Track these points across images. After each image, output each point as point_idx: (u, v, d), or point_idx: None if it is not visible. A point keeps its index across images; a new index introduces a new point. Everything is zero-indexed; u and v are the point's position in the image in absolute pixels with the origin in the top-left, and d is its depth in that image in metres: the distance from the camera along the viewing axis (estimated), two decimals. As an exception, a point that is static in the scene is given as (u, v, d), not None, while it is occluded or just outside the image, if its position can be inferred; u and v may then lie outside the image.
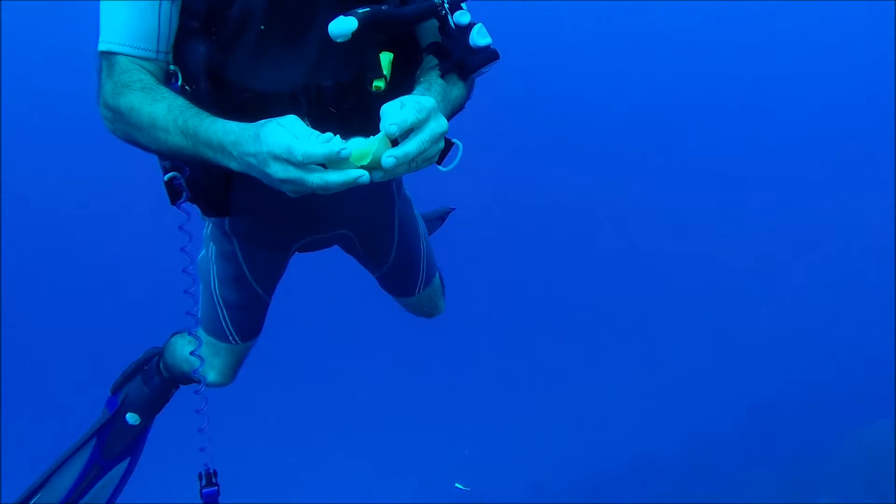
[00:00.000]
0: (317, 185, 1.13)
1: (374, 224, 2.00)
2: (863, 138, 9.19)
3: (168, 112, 1.27)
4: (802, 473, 4.80)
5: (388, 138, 1.16)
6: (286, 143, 1.11)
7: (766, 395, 5.74)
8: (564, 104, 9.19)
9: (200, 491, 1.95)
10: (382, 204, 1.98)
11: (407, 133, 1.17)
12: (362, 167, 1.15)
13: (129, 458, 2.26)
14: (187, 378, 2.23)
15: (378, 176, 1.16)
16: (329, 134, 1.14)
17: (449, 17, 1.39)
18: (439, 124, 1.20)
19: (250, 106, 1.41)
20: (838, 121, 9.47)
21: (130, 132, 1.33)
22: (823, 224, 8.24)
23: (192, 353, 1.98)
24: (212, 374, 2.10)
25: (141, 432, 2.27)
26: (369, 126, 1.39)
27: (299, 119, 1.16)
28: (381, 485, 5.59)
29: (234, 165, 1.22)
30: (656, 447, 5.53)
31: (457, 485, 4.95)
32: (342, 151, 1.10)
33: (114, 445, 2.21)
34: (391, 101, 1.21)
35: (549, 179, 8.78)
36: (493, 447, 5.87)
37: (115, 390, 2.27)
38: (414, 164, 1.18)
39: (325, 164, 1.13)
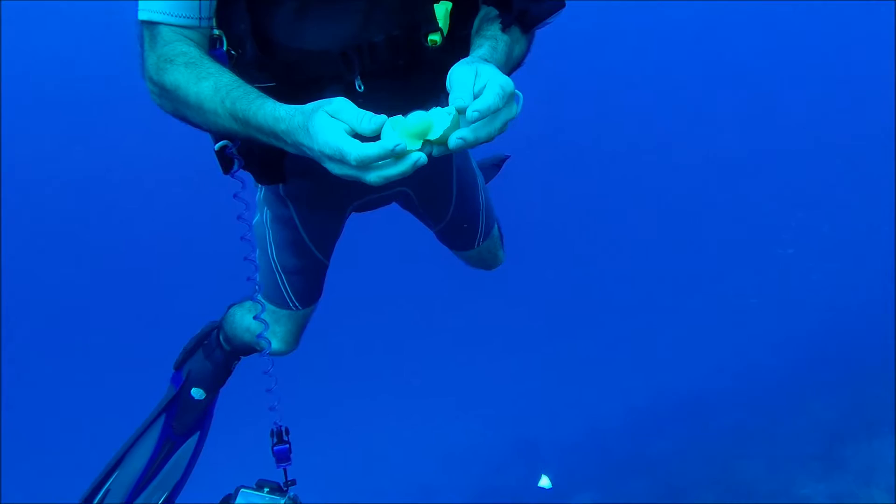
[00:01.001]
0: (375, 181, 1.04)
1: (432, 179, 1.94)
2: (862, 137, 8.91)
3: (215, 93, 1.21)
4: (864, 405, 4.74)
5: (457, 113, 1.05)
6: (337, 145, 1.03)
7: (821, 328, 5.67)
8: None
9: (272, 448, 1.94)
10: (441, 157, 1.94)
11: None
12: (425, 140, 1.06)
13: (198, 432, 2.30)
14: (249, 348, 2.25)
15: (439, 151, 1.09)
16: (383, 116, 1.04)
17: None
18: (511, 111, 1.09)
19: (299, 67, 1.37)
20: (839, 119, 9.21)
21: (179, 109, 1.28)
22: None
23: (255, 316, 1.95)
24: (274, 342, 2.08)
25: (207, 406, 2.29)
26: (428, 84, 1.31)
27: (349, 102, 1.06)
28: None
29: (290, 150, 1.16)
30: (710, 383, 5.54)
31: (541, 483, 5.00)
32: (397, 147, 1.00)
33: (183, 420, 2.24)
34: (462, 67, 1.12)
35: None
36: (545, 389, 5.95)
37: (178, 367, 2.29)
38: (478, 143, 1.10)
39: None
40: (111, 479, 2.13)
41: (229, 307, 2.32)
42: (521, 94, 1.23)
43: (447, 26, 1.33)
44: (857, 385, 4.99)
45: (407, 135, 1.04)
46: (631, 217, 8.20)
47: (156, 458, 2.20)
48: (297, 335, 2.15)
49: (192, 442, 2.29)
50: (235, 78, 1.23)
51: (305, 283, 2.04)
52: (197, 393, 2.24)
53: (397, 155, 1.01)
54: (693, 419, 5.20)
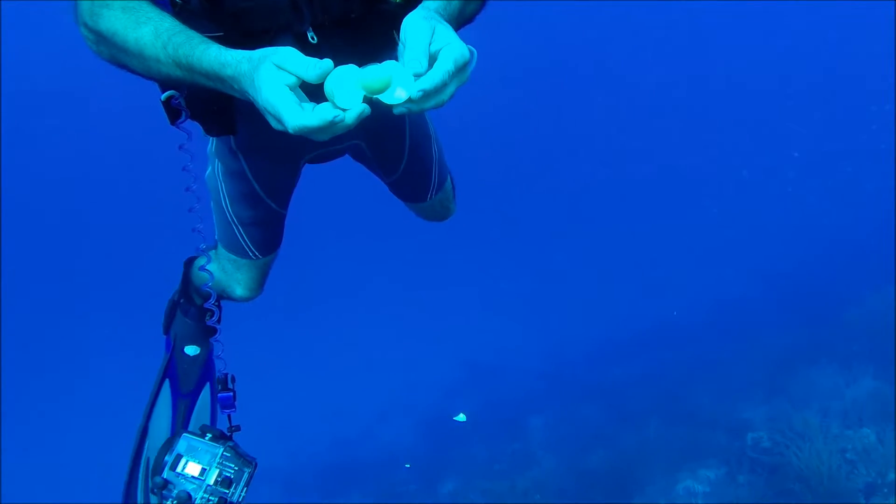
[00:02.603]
0: (321, 137, 1.03)
1: (385, 131, 1.90)
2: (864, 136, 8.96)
3: (156, 38, 1.15)
4: (809, 337, 4.99)
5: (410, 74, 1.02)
6: (277, 108, 1.01)
7: (781, 264, 5.88)
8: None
9: (216, 395, 2.01)
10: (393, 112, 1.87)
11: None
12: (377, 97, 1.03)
13: (207, 383, 2.29)
14: (219, 296, 2.19)
15: (400, 111, 1.05)
16: (328, 63, 1.01)
17: None
18: (462, 79, 1.06)
19: (247, 17, 1.27)
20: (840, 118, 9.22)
21: (117, 56, 1.21)
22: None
23: (201, 268, 1.95)
24: (239, 289, 2.09)
25: (206, 359, 2.28)
26: (383, 36, 1.25)
27: (295, 51, 1.03)
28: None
29: (237, 95, 1.12)
30: (678, 313, 5.74)
31: (457, 417, 5.16)
32: (336, 118, 0.99)
33: (188, 378, 2.23)
34: (418, 22, 1.06)
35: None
36: (503, 318, 6.09)
37: (166, 331, 2.28)
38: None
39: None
40: (144, 452, 2.12)
41: (187, 262, 2.25)
42: (475, 51, 1.17)
43: None
44: (801, 317, 5.23)
45: (357, 88, 1.01)
46: (599, 158, 8.21)
47: (177, 418, 2.21)
48: (260, 282, 2.13)
49: (205, 393, 2.29)
50: (177, 23, 1.17)
51: (262, 233, 1.99)
52: (191, 350, 2.24)
53: (340, 123, 0.99)
54: (647, 350, 5.41)
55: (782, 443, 4.05)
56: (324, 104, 1.01)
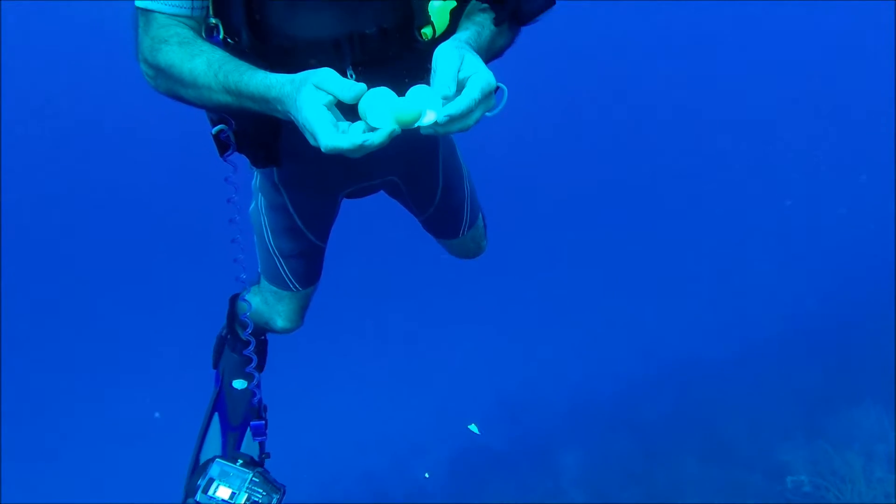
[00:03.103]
0: (353, 155, 1.11)
1: (419, 168, 1.97)
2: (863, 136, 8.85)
3: (208, 67, 1.25)
4: (850, 375, 4.84)
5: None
6: (312, 127, 1.09)
7: (816, 297, 5.76)
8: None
9: (250, 423, 2.08)
10: (427, 148, 1.95)
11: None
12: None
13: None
14: (262, 328, 2.28)
15: (427, 132, 1.12)
16: (363, 86, 1.10)
17: None
18: (487, 105, 1.14)
19: (293, 55, 1.36)
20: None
21: (173, 87, 1.32)
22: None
23: (241, 297, 2.00)
24: (280, 321, 2.16)
25: (253, 392, 2.30)
26: (418, 74, 1.31)
27: (333, 72, 1.12)
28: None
29: (280, 116, 1.21)
30: (698, 351, 5.63)
31: (470, 426, 5.12)
32: (365, 142, 1.06)
33: (236, 411, 2.29)
34: (449, 50, 1.14)
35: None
36: (535, 352, 6.04)
37: (215, 366, 2.36)
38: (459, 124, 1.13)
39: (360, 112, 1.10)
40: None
41: (232, 299, 2.33)
42: (505, 89, 1.26)
43: (445, 24, 1.33)
44: (839, 356, 5.09)
45: (387, 115, 1.09)
46: (625, 186, 8.18)
47: (227, 450, 2.27)
48: (300, 313, 2.19)
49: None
50: (227, 54, 1.29)
51: (303, 265, 2.06)
52: (238, 384, 2.30)
53: (365, 148, 1.07)
54: (680, 386, 5.31)
55: (823, 486, 3.91)
56: (356, 125, 1.10)
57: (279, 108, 1.18)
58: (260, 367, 2.36)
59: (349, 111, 1.12)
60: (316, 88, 1.11)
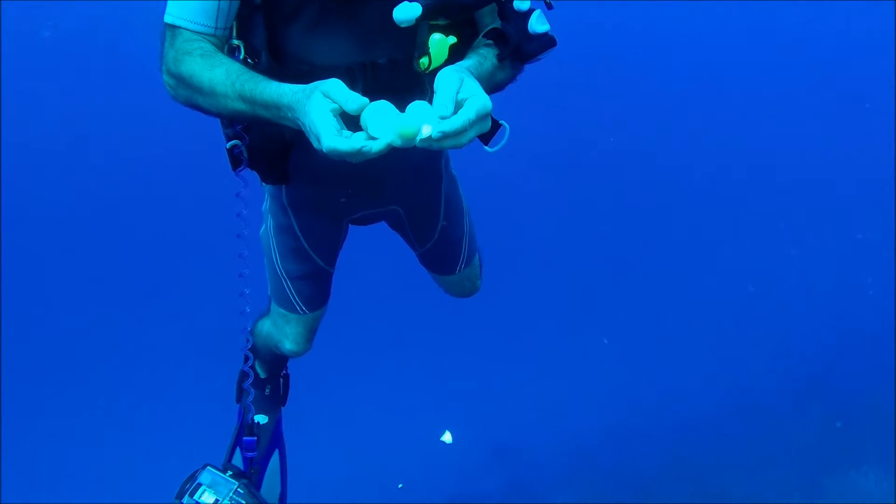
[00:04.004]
0: (352, 160, 1.17)
1: (422, 200, 2.05)
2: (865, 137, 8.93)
3: (226, 77, 1.34)
4: (840, 439, 4.80)
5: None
6: (317, 128, 1.17)
7: (816, 351, 5.72)
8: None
9: (240, 439, 2.12)
10: (431, 181, 2.03)
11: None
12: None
13: (276, 450, 2.43)
14: (278, 358, 2.36)
15: (422, 144, 1.18)
16: (365, 100, 1.18)
17: (509, 3, 1.41)
18: (482, 128, 1.21)
19: (308, 79, 1.44)
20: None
21: (192, 97, 1.41)
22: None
23: (241, 329, 2.00)
24: (287, 343, 2.21)
25: (275, 426, 2.42)
26: (422, 99, 1.42)
27: (340, 83, 1.20)
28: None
29: (289, 124, 1.29)
30: (694, 404, 5.57)
31: (443, 438, 5.08)
32: (364, 147, 1.14)
33: (257, 447, 2.31)
34: (451, 73, 1.21)
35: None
36: (529, 395, 5.99)
37: (237, 401, 2.40)
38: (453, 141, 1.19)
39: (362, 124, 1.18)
40: None
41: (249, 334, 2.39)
42: (507, 126, 1.37)
43: (444, 57, 1.41)
44: (839, 415, 5.04)
45: (387, 126, 1.16)
46: (620, 232, 8.17)
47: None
48: (307, 337, 2.24)
49: (274, 459, 2.43)
50: (244, 67, 1.38)
51: (309, 288, 2.12)
52: (259, 418, 2.37)
53: (363, 154, 1.15)
54: (675, 438, 5.24)
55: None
56: (358, 134, 1.17)
57: (289, 114, 1.26)
58: (281, 403, 2.46)
59: (353, 125, 1.20)
60: (323, 96, 1.19)
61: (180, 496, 1.67)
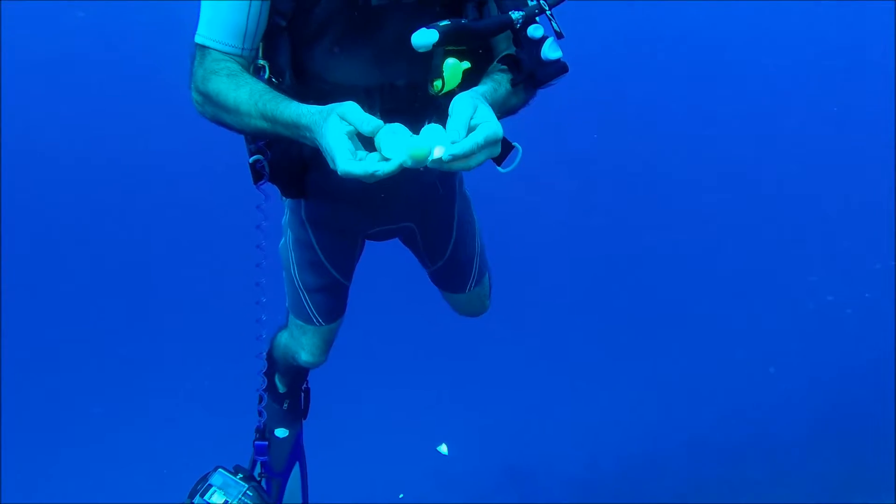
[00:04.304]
0: (366, 180, 1.22)
1: (435, 218, 2.10)
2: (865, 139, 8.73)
3: (250, 97, 1.41)
4: (859, 470, 4.71)
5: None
6: (332, 151, 1.22)
7: (830, 388, 5.62)
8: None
9: (253, 441, 2.19)
10: (445, 201, 2.08)
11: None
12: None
13: (297, 462, 2.49)
14: (296, 370, 2.41)
15: (433, 165, 1.23)
16: (380, 123, 1.22)
17: (523, 30, 1.45)
18: (492, 153, 1.26)
19: (329, 98, 1.48)
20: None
21: (218, 114, 1.48)
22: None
23: (257, 336, 2.07)
24: (303, 354, 2.25)
25: (295, 439, 2.48)
26: (439, 122, 1.48)
27: (356, 105, 1.25)
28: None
29: (307, 143, 1.34)
30: (714, 433, 5.49)
31: (439, 448, 5.05)
32: (377, 172, 1.19)
33: (279, 459, 2.41)
34: (465, 99, 1.27)
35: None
36: (547, 420, 5.94)
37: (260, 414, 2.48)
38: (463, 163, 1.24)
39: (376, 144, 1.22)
40: None
41: (269, 353, 2.45)
42: (520, 149, 1.43)
43: (457, 81, 1.47)
44: (857, 445, 4.95)
45: (400, 148, 1.21)
46: (639, 248, 8.03)
47: (271, 495, 2.35)
48: (323, 349, 2.28)
49: (295, 471, 2.49)
50: (267, 87, 1.45)
51: (326, 300, 2.17)
52: (280, 432, 2.43)
53: (376, 176, 1.20)
54: (689, 466, 5.18)
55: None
56: (372, 155, 1.22)
57: (308, 134, 1.32)
58: (301, 416, 2.51)
59: (369, 144, 1.25)
60: (340, 119, 1.24)
61: (192, 496, 1.73)
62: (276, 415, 2.43)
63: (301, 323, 2.20)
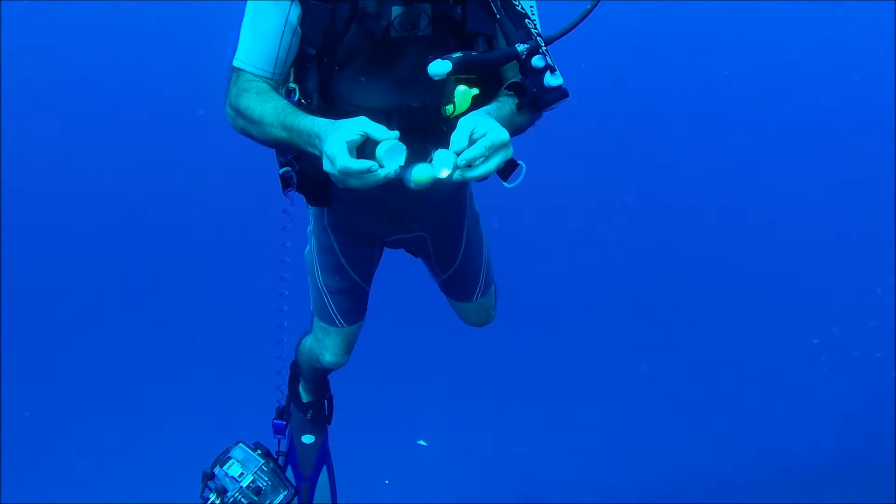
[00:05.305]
0: (358, 182, 1.41)
1: (447, 230, 2.30)
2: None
3: (273, 111, 1.61)
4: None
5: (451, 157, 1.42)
6: (334, 149, 1.39)
7: (846, 422, 5.52)
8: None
9: (273, 420, 2.39)
10: (455, 214, 2.29)
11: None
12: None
13: (324, 466, 2.67)
14: (320, 375, 2.59)
15: (455, 177, 1.42)
16: (396, 132, 1.42)
17: (528, 61, 1.64)
18: (500, 158, 1.44)
19: (351, 117, 1.66)
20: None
21: (245, 126, 1.69)
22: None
23: (277, 340, 2.32)
24: (327, 355, 2.42)
25: (322, 444, 2.65)
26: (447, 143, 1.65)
27: (366, 119, 1.44)
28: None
29: (315, 152, 1.52)
30: (728, 465, 5.40)
31: (420, 441, 5.06)
32: (372, 168, 1.38)
33: (307, 463, 2.59)
34: (469, 117, 1.47)
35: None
36: (557, 452, 5.91)
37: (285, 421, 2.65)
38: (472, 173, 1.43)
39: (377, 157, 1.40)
40: None
41: (292, 364, 2.65)
42: (524, 166, 1.61)
43: (466, 105, 1.66)
44: (880, 490, 4.85)
45: (397, 157, 1.38)
46: (658, 276, 7.89)
47: (301, 498, 2.54)
48: (345, 349, 2.44)
49: (324, 474, 2.66)
50: (292, 104, 1.65)
51: (347, 302, 2.35)
52: (307, 438, 2.60)
53: (373, 174, 1.37)
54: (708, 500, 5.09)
55: None
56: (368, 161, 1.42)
57: (316, 142, 1.50)
58: (326, 423, 2.68)
59: (367, 157, 1.44)
60: (346, 128, 1.43)
61: (213, 466, 1.92)
62: (302, 423, 2.59)
63: (325, 325, 2.38)
